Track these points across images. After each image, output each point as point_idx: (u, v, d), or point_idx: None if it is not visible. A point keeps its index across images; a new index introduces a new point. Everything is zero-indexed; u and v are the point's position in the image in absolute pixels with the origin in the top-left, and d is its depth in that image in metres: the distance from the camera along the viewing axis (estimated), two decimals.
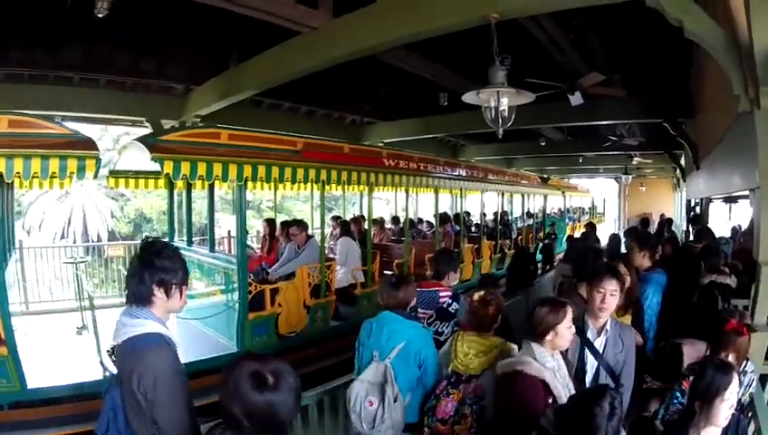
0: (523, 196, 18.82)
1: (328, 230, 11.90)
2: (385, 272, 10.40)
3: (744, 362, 3.88)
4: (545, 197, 21.09)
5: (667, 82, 12.54)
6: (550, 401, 3.19)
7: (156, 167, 6.55)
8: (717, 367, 3.12)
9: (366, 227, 10.88)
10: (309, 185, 8.53)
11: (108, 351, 5.97)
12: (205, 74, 11.51)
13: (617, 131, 16.25)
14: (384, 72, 12.21)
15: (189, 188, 9.13)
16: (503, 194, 16.68)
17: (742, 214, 12.49)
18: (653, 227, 16.46)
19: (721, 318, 3.92)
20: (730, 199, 11.87)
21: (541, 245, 17.77)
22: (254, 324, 7.52)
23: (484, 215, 16.00)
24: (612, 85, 11.18)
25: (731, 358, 3.58)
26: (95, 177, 5.87)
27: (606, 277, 3.98)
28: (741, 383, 3.39)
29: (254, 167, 7.06)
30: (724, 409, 3.01)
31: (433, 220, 14.87)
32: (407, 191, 11.01)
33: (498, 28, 5.78)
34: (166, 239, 7.49)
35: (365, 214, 11.42)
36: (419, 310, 4.77)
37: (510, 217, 18.32)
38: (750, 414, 3.85)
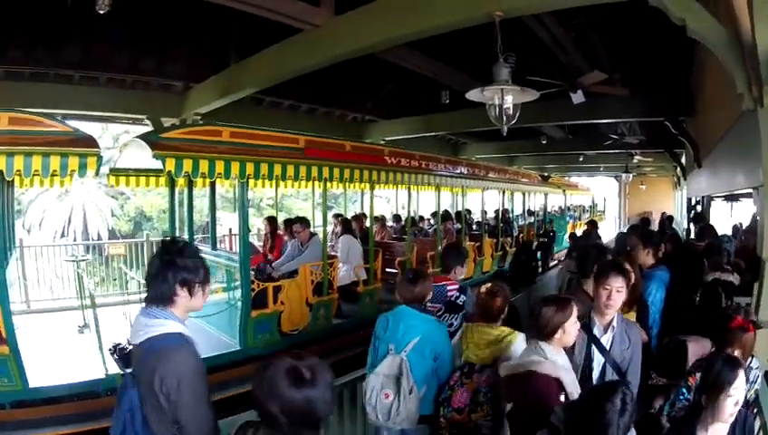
0: (523, 194, 18.82)
1: (330, 228, 11.89)
2: (387, 270, 10.40)
3: (750, 359, 3.88)
4: (546, 195, 21.09)
5: (669, 81, 12.55)
6: (562, 398, 3.18)
7: (157, 164, 6.53)
8: (726, 362, 3.15)
9: (368, 224, 10.88)
10: (311, 183, 8.52)
11: (110, 349, 5.97)
12: (204, 72, 11.51)
13: (618, 130, 16.23)
14: (385, 69, 12.19)
15: (191, 185, 9.12)
16: (503, 192, 16.66)
17: (743, 212, 12.48)
18: (654, 226, 16.44)
19: (727, 315, 3.92)
20: (731, 198, 11.85)
21: (536, 243, 17.75)
22: (256, 322, 7.52)
23: (485, 213, 15.99)
24: (613, 84, 11.17)
25: (737, 354, 3.58)
26: (96, 174, 5.86)
27: (612, 274, 3.97)
28: (747, 380, 3.39)
29: (257, 164, 7.06)
30: (730, 404, 3.02)
31: (431, 218, 14.90)
32: (408, 189, 11.00)
33: (500, 26, 5.78)
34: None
35: (366, 212, 11.41)
36: (428, 304, 4.83)
37: (511, 216, 18.28)
38: (755, 411, 3.85)
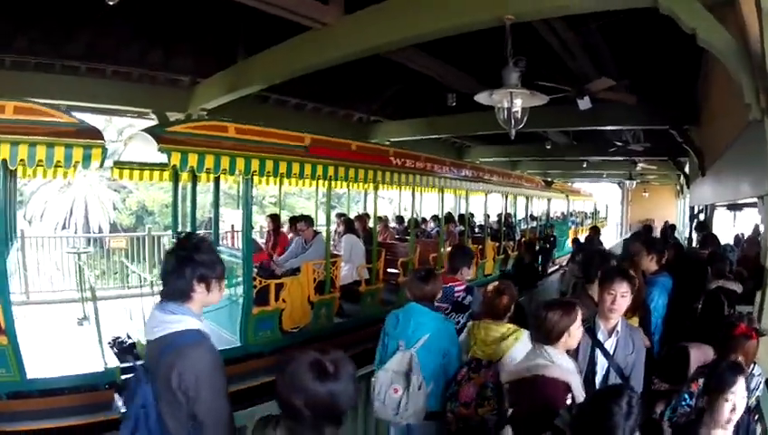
0: (527, 198, 18.84)
1: (332, 227, 11.91)
2: (388, 270, 10.41)
3: (752, 366, 3.90)
4: (549, 200, 21.09)
5: (674, 90, 12.56)
6: (568, 401, 3.18)
7: (161, 159, 6.52)
8: (729, 366, 3.19)
9: (371, 225, 10.87)
10: (315, 181, 8.52)
11: (109, 342, 5.95)
12: (211, 67, 11.52)
13: (622, 137, 16.24)
14: (392, 70, 12.20)
15: (194, 181, 9.11)
16: (506, 196, 16.67)
17: (746, 222, 12.49)
18: (656, 234, 16.45)
19: (730, 322, 3.97)
20: (734, 207, 11.85)
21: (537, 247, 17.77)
22: (258, 319, 7.50)
23: (488, 216, 15.99)
24: (620, 91, 11.17)
25: (740, 361, 3.60)
26: (101, 166, 5.85)
27: (617, 279, 3.96)
28: (749, 387, 3.40)
29: (262, 161, 7.04)
30: (726, 409, 3.03)
31: (431, 221, 14.91)
32: (413, 190, 10.99)
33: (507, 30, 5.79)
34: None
35: (369, 212, 11.39)
36: (436, 303, 4.88)
37: (514, 220, 18.30)
38: (757, 417, 3.86)
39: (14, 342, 5.61)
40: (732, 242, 10.47)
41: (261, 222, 16.18)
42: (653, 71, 11.80)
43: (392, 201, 21.06)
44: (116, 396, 6.30)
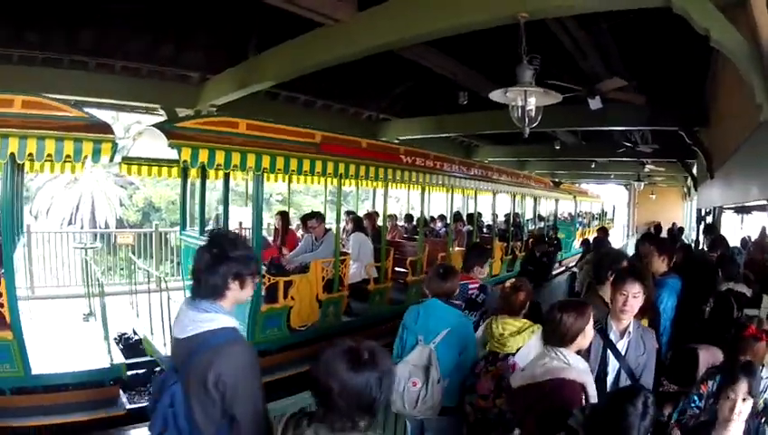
0: (535, 199, 18.84)
1: (341, 225, 11.91)
2: (396, 269, 10.40)
3: (761, 368, 3.89)
4: (557, 200, 21.05)
5: (683, 91, 12.51)
6: (583, 402, 3.18)
7: (170, 154, 6.52)
8: (742, 366, 3.25)
9: (380, 223, 10.86)
10: (324, 178, 8.51)
11: (115, 338, 5.94)
12: (221, 63, 11.47)
13: (631, 138, 16.18)
14: (402, 67, 12.19)
15: (204, 177, 9.12)
16: (515, 196, 16.65)
17: (754, 224, 12.43)
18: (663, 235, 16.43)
19: (740, 324, 3.97)
20: (742, 209, 11.81)
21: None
22: (266, 317, 7.51)
23: (496, 216, 15.97)
24: (629, 91, 11.13)
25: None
26: (111, 160, 5.85)
27: (629, 280, 3.97)
28: (757, 389, 3.39)
29: (273, 157, 7.06)
30: (726, 408, 3.08)
31: (438, 220, 14.90)
32: (422, 189, 10.99)
33: (519, 28, 5.78)
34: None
35: (378, 210, 11.38)
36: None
37: (522, 220, 18.29)
38: (764, 420, 3.86)
39: (20, 337, 5.62)
40: (739, 245, 10.43)
41: (267, 220, 16.17)
42: (661, 71, 11.75)
43: (399, 200, 21.07)
44: (121, 392, 6.29)
